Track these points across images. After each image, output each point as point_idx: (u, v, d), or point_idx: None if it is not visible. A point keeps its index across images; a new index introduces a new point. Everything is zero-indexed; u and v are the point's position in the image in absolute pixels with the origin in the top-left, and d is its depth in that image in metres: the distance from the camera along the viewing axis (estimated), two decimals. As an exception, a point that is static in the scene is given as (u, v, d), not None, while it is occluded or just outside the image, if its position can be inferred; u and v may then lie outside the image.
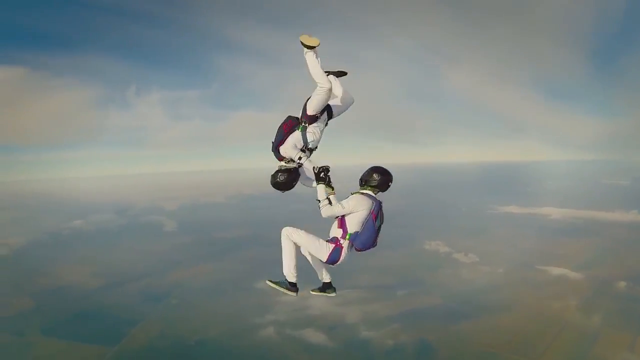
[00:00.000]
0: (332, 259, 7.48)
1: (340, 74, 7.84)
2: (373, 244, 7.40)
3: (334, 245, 7.39)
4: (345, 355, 64.70)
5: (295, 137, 7.32)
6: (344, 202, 7.15)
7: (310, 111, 7.22)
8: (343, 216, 7.24)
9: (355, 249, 7.42)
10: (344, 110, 7.71)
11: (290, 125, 7.39)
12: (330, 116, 7.54)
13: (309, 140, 7.32)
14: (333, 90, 7.36)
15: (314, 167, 7.24)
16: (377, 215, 7.26)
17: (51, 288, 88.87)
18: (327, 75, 7.35)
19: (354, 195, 7.28)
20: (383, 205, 7.46)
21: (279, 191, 7.64)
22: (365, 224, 7.22)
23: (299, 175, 7.63)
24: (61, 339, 68.17)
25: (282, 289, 8.16)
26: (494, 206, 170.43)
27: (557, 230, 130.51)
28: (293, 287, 8.15)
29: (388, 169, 7.51)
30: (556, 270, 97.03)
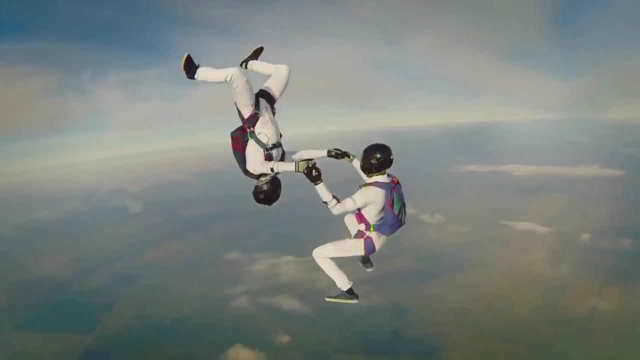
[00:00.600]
0: (369, 251, 7.63)
1: (257, 52, 7.54)
2: (400, 224, 7.40)
3: (363, 239, 7.53)
4: (321, 320, 66.87)
5: (252, 150, 7.12)
6: (355, 196, 7.12)
7: (245, 113, 6.94)
8: (359, 210, 7.33)
9: (385, 235, 7.50)
10: (285, 83, 7.31)
11: (239, 142, 7.16)
12: (271, 100, 7.22)
13: (264, 142, 7.08)
14: (259, 71, 7.36)
15: (299, 169, 7.12)
16: (392, 203, 7.13)
17: (22, 282, 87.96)
18: (241, 65, 7.40)
19: (365, 188, 7.17)
20: (400, 182, 7.44)
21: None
22: (385, 212, 7.20)
23: (280, 182, 7.62)
24: (36, 332, 68.36)
25: (344, 301, 8.09)
26: (457, 166, 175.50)
27: (521, 187, 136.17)
28: (351, 293, 8.03)
29: (381, 144, 7.26)
30: (522, 225, 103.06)
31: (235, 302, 73.97)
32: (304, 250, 79.40)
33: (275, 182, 7.42)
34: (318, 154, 7.69)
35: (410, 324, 64.80)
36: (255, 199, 7.48)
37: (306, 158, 7.44)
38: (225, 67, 6.65)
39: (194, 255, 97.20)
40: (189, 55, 6.71)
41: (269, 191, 7.40)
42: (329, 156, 7.67)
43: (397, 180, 7.32)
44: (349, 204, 7.02)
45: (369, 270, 8.91)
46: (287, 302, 72.77)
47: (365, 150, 7.20)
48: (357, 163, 7.53)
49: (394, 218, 7.19)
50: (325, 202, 7.11)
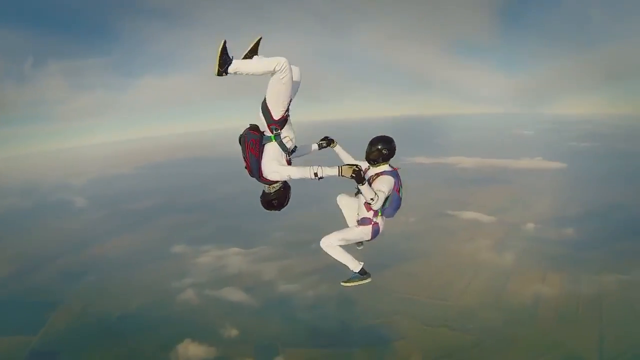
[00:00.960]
0: (375, 235, 7.91)
1: (256, 46, 6.82)
2: (398, 207, 7.83)
3: (370, 225, 7.77)
4: (269, 312, 67.78)
5: (273, 155, 6.87)
6: (380, 188, 7.22)
7: (275, 113, 6.61)
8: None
9: (386, 217, 7.86)
10: (299, 83, 7.13)
11: (256, 144, 6.78)
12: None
13: (288, 147, 6.98)
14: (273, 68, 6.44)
15: (343, 174, 6.76)
16: (399, 188, 7.61)
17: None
18: (251, 56, 6.69)
19: (382, 178, 7.40)
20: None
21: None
22: (392, 196, 7.55)
23: (290, 187, 7.40)
24: (-21, 337, 65.40)
25: (358, 282, 8.20)
26: (403, 158, 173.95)
27: (466, 178, 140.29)
28: (364, 273, 8.14)
29: (388, 136, 7.64)
30: (467, 215, 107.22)
31: (183, 295, 73.63)
32: (250, 242, 78.91)
33: (286, 186, 7.31)
34: (312, 148, 8.22)
35: (358, 314, 65.80)
36: (265, 205, 7.39)
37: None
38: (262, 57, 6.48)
39: (140, 249, 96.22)
40: (225, 42, 6.24)
41: (281, 197, 7.28)
42: (319, 149, 8.31)
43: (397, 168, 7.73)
44: (381, 196, 7.11)
45: (359, 248, 8.88)
46: (234, 295, 72.98)
47: (373, 143, 7.51)
48: (339, 148, 8.60)
49: (398, 201, 7.73)
50: (372, 199, 6.98)
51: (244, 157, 6.95)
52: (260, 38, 6.74)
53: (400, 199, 7.74)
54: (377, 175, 7.47)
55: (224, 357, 56.83)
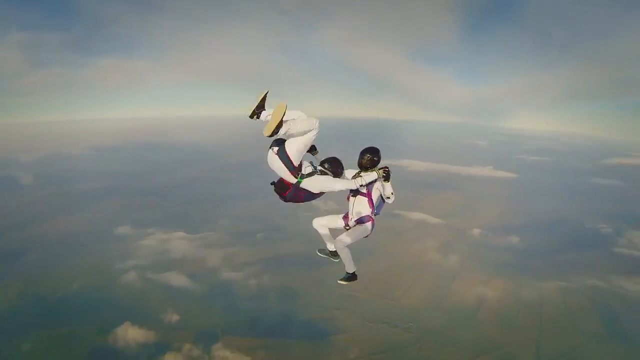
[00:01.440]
0: (373, 229, 10.14)
1: (263, 100, 8.80)
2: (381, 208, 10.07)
3: (370, 221, 9.92)
4: (211, 300, 67.53)
5: (312, 180, 9.09)
6: (389, 188, 9.48)
7: (296, 161, 8.78)
8: (371, 197, 9.64)
9: (375, 215, 9.94)
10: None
11: (290, 187, 9.21)
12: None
13: (311, 170, 9.15)
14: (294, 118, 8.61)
15: (379, 177, 9.19)
16: None
17: None
18: (251, 117, 8.98)
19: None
20: None
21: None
22: (380, 198, 9.73)
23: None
24: None
25: (351, 282, 10.88)
26: (350, 157, 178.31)
27: (416, 181, 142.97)
28: (354, 276, 11.04)
29: (372, 146, 9.75)
30: (415, 215, 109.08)
31: (125, 278, 72.78)
32: (196, 228, 78.44)
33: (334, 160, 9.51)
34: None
35: (299, 308, 66.03)
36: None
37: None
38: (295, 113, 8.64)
39: (84, 229, 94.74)
40: (267, 93, 8.39)
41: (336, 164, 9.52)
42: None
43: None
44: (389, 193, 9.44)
45: (335, 260, 11.00)
46: (177, 279, 72.94)
47: (364, 153, 9.51)
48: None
49: (380, 201, 9.77)
50: (390, 194, 9.40)
51: (280, 194, 9.38)
52: (267, 92, 8.59)
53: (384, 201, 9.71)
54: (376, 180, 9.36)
55: (162, 342, 55.97)
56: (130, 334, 57.12)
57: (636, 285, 77.98)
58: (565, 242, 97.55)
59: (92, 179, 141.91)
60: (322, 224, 10.37)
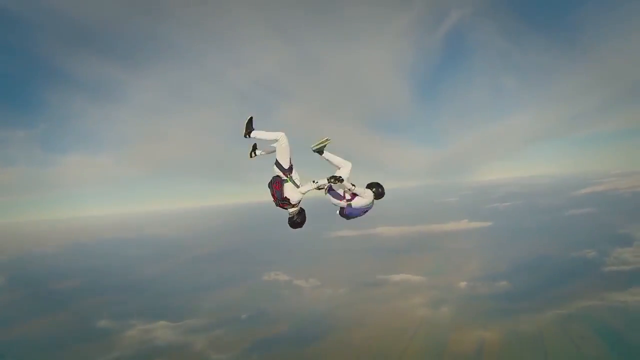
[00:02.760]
0: (345, 208, 10.05)
1: (250, 122, 10.30)
2: (355, 215, 10.19)
3: (347, 201, 9.99)
4: None
5: (290, 188, 9.67)
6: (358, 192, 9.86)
7: (285, 165, 9.73)
8: (354, 195, 9.91)
9: (345, 212, 10.10)
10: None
11: (279, 183, 9.72)
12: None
13: (298, 183, 9.77)
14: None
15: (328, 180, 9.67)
16: (366, 211, 10.15)
17: None
18: (249, 132, 10.26)
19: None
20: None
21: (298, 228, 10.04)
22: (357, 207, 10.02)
23: (304, 210, 9.95)
24: None
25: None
26: (327, 232, 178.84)
27: (393, 247, 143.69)
28: None
29: (376, 181, 10.26)
30: (398, 277, 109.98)
31: None
32: (178, 316, 76.82)
33: (302, 210, 9.90)
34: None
35: None
36: (292, 226, 9.88)
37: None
38: (268, 131, 9.94)
39: (62, 329, 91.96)
40: (251, 117, 10.10)
41: (302, 216, 9.86)
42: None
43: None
44: (350, 187, 9.78)
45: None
46: None
47: (371, 186, 10.07)
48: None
49: (359, 211, 10.13)
50: (353, 185, 9.69)
51: (272, 194, 9.77)
52: (252, 117, 10.18)
53: (359, 214, 10.07)
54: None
55: None
56: None
57: (633, 297, 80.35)
58: (555, 275, 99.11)
59: (67, 277, 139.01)
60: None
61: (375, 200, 10.05)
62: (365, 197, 9.90)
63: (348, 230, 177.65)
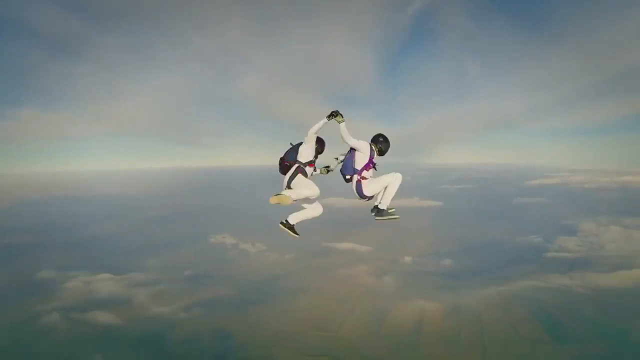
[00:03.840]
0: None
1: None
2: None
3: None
4: (139, 344, 65.14)
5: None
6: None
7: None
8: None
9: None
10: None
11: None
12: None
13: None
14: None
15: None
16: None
17: None
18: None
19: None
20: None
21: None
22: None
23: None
24: None
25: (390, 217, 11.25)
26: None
27: (342, 218, 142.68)
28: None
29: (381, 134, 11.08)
30: (345, 246, 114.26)
31: (48, 319, 71.10)
32: (122, 269, 76.61)
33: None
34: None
35: (235, 348, 64.44)
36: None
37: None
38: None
39: (4, 284, 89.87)
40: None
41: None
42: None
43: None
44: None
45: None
46: (103, 317, 71.96)
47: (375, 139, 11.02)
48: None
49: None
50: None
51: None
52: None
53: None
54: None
55: None
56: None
57: (573, 280, 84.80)
58: (499, 257, 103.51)
59: (14, 234, 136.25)
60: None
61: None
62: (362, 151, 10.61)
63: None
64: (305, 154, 10.78)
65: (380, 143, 10.80)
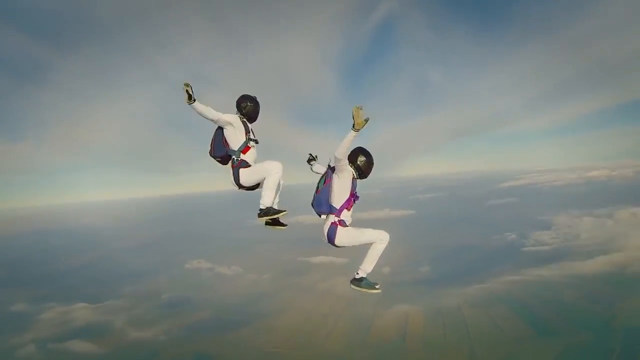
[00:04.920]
0: None
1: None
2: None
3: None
4: (120, 356, 66.68)
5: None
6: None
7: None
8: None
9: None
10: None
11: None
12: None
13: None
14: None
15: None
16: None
17: None
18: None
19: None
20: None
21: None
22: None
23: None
24: None
25: (367, 290, 8.84)
26: (250, 221, 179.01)
27: (315, 235, 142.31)
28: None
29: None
30: (319, 259, 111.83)
31: (23, 351, 70.01)
32: (98, 298, 75.26)
33: None
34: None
35: None
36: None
37: None
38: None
39: None
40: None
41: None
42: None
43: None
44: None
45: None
46: (81, 346, 71.15)
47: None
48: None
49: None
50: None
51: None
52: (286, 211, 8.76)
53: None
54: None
55: None
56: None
57: (551, 271, 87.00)
58: (476, 259, 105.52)
59: None
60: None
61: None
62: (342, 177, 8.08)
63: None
64: (233, 139, 8.57)
65: (359, 162, 8.11)
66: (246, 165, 8.48)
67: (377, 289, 8.57)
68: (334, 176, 8.01)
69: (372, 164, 8.20)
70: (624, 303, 70.58)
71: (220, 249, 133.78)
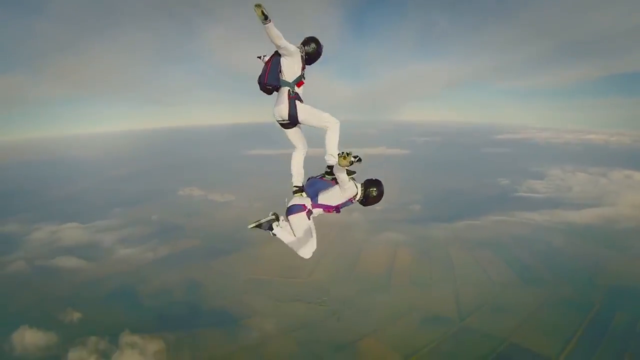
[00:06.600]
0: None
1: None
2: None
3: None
4: (111, 296, 64.72)
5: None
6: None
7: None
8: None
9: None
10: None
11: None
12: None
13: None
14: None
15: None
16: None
17: None
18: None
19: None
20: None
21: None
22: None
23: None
24: None
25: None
26: (246, 151, 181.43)
27: (310, 166, 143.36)
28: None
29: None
30: None
31: (13, 267, 71.42)
32: (88, 218, 75.77)
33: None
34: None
35: (205, 297, 64.36)
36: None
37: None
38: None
39: None
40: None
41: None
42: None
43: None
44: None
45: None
46: (69, 262, 72.49)
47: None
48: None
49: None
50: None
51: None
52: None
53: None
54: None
55: (65, 343, 52.13)
56: (29, 338, 53.32)
57: (541, 216, 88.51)
58: (468, 200, 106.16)
59: None
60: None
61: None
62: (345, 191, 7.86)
63: (265, 149, 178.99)
64: (289, 71, 7.85)
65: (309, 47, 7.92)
66: (300, 99, 7.85)
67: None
68: (282, 59, 7.74)
69: (320, 48, 8.02)
70: (609, 260, 71.13)
71: (214, 178, 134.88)
